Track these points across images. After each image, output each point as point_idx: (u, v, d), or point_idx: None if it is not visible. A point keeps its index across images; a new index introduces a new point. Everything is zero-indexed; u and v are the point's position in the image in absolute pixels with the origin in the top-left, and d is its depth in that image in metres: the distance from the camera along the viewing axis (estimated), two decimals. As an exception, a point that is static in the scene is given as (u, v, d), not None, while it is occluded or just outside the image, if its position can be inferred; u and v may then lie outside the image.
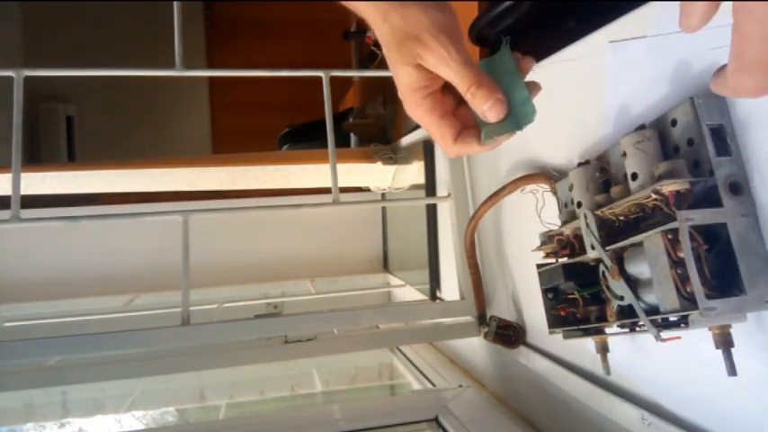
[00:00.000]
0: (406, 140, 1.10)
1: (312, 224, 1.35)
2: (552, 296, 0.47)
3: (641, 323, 0.38)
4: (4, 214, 0.64)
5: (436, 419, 0.72)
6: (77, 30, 2.44)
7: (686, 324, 0.34)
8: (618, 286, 0.39)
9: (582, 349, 0.55)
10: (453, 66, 0.37)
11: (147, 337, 0.66)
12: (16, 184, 0.65)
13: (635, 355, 0.47)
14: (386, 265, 1.40)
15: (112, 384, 1.06)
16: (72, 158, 2.42)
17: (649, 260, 0.35)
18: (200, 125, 2.68)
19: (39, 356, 0.65)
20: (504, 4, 0.72)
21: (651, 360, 0.45)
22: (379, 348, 1.15)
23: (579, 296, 0.45)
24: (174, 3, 0.69)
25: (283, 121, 1.71)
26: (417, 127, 1.05)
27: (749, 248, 0.32)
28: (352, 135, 1.46)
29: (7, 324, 1.07)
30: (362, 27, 1.58)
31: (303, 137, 1.60)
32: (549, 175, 0.56)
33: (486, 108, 0.38)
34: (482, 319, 0.76)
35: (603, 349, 0.46)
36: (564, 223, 0.47)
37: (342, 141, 1.45)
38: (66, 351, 0.65)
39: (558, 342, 0.61)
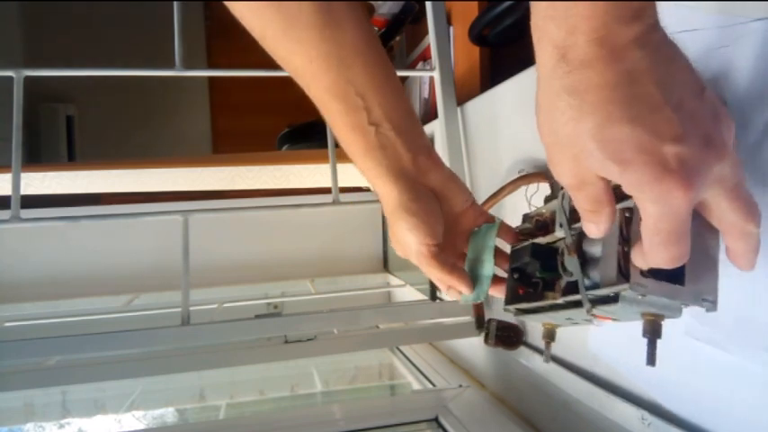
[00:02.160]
0: (406, 140, 1.10)
1: (312, 224, 1.35)
2: (518, 277, 0.46)
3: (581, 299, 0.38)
4: (4, 214, 0.64)
5: (436, 419, 0.72)
6: (77, 30, 2.43)
7: (617, 300, 0.33)
8: (571, 262, 0.38)
9: (582, 349, 0.55)
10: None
11: (147, 337, 0.66)
12: (16, 184, 0.65)
13: (635, 355, 0.47)
14: (386, 265, 1.40)
15: (112, 384, 1.06)
16: (72, 158, 2.42)
17: (604, 237, 0.36)
18: (201, 125, 2.68)
19: (39, 356, 0.65)
20: (504, 4, 0.72)
21: (651, 360, 0.45)
22: (379, 348, 1.15)
23: (540, 277, 0.44)
24: (174, 3, 0.69)
25: (283, 121, 1.70)
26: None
27: (701, 244, 0.32)
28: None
29: (7, 324, 1.07)
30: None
31: (303, 137, 1.59)
32: (549, 175, 0.55)
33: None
34: (480, 322, 0.75)
35: (549, 336, 0.45)
36: (546, 201, 0.47)
37: (342, 141, 1.44)
38: (66, 351, 0.65)
39: (558, 342, 0.61)
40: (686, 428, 0.42)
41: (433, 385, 0.90)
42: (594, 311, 0.35)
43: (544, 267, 0.43)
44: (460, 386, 0.80)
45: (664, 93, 0.25)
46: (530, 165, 0.63)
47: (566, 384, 0.57)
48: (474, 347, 0.85)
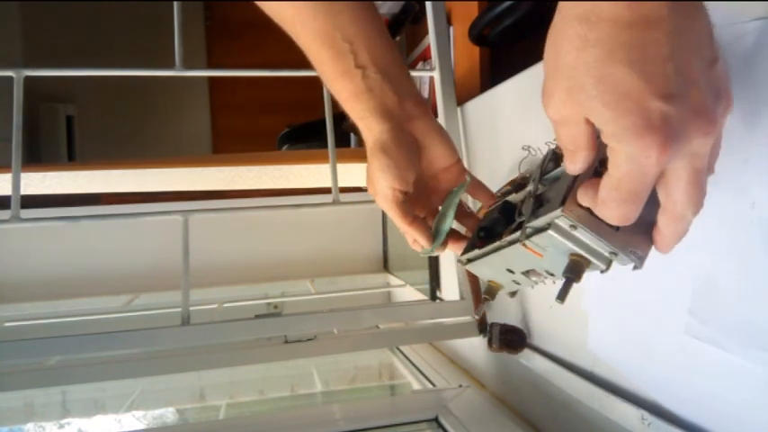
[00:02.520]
0: (406, 140, 1.10)
1: (312, 224, 1.35)
2: (483, 235, 0.45)
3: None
4: (4, 214, 0.64)
5: (436, 419, 0.72)
6: (77, 30, 2.44)
7: (548, 227, 0.33)
8: (527, 204, 0.38)
9: (582, 349, 0.55)
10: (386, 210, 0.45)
11: (147, 337, 0.66)
12: (16, 184, 0.65)
13: (635, 354, 0.47)
14: (386, 265, 1.40)
15: (112, 384, 1.06)
16: (72, 158, 2.42)
17: (563, 177, 0.36)
18: (201, 125, 2.68)
19: (39, 356, 0.65)
20: (504, 4, 0.72)
21: (651, 360, 0.45)
22: (379, 348, 1.15)
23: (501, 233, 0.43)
24: (174, 3, 0.69)
25: (283, 121, 1.70)
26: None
27: (648, 210, 0.31)
28: (352, 135, 1.46)
29: (7, 324, 1.07)
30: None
31: (303, 137, 1.59)
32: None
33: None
34: (483, 327, 0.74)
35: (489, 293, 0.45)
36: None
37: (342, 141, 1.45)
38: (66, 351, 0.65)
39: (558, 342, 0.61)
40: (686, 428, 0.42)
41: (433, 385, 0.90)
42: (527, 243, 0.35)
43: (508, 222, 0.43)
44: (460, 386, 0.80)
45: (672, 47, 0.25)
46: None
47: (566, 384, 0.57)
48: (474, 347, 0.85)
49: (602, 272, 0.34)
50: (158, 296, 1.19)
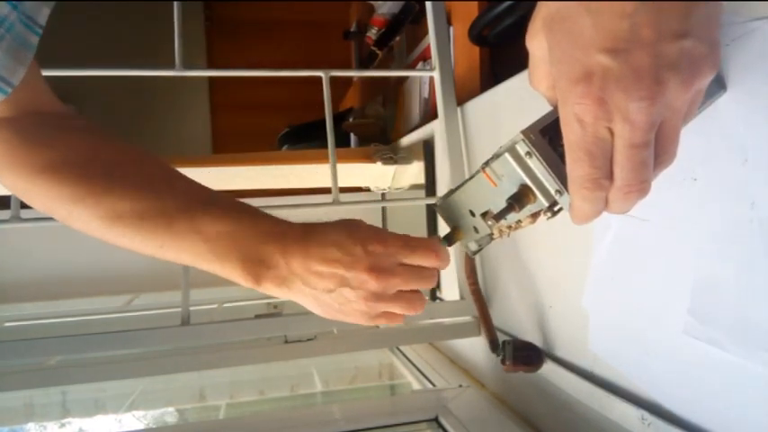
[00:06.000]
0: (406, 140, 1.10)
1: (312, 224, 1.34)
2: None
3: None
4: (4, 214, 0.64)
5: (436, 419, 0.72)
6: (77, 30, 2.43)
7: (505, 152, 0.34)
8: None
9: (582, 349, 0.55)
10: None
11: (147, 337, 0.66)
12: (16, 184, 0.65)
13: (635, 354, 0.47)
14: (386, 265, 1.39)
15: (112, 384, 1.06)
16: (72, 158, 2.41)
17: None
18: (201, 125, 2.68)
19: (39, 356, 0.65)
20: (504, 4, 0.72)
21: (651, 360, 0.45)
22: (379, 348, 1.15)
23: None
24: (174, 3, 0.69)
25: (283, 121, 1.70)
26: (417, 127, 1.05)
27: None
28: (352, 135, 1.46)
29: (7, 324, 1.07)
30: (362, 27, 1.58)
31: (303, 137, 1.59)
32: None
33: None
34: (494, 345, 0.69)
35: (449, 239, 0.46)
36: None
37: (342, 141, 1.44)
38: (66, 351, 0.65)
39: (558, 342, 0.61)
40: (686, 428, 0.42)
41: (433, 385, 0.90)
42: (487, 169, 0.36)
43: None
44: (460, 386, 0.80)
45: (636, 7, 0.24)
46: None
47: (566, 384, 0.57)
48: (474, 347, 0.85)
49: (545, 212, 0.34)
50: (158, 296, 1.19)
